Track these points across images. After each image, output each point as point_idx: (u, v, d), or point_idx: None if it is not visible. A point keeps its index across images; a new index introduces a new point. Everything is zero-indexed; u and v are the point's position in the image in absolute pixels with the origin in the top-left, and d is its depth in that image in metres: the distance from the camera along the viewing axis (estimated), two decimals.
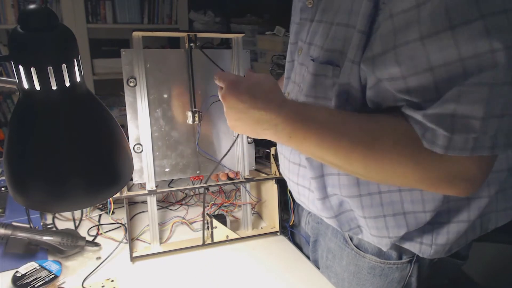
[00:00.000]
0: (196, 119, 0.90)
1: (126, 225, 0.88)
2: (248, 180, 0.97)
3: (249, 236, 0.96)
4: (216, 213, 1.02)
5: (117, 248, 0.89)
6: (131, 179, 0.88)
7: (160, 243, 0.91)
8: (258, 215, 1.08)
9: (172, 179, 1.11)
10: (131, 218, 1.03)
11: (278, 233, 0.98)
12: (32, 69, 0.37)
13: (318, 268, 0.86)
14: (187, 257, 0.89)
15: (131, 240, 0.90)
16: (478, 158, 0.50)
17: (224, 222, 0.94)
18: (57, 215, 1.00)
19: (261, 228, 1.02)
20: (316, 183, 0.70)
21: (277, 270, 0.84)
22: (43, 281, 0.71)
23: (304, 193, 0.76)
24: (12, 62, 0.38)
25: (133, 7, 2.85)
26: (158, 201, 0.99)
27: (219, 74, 0.63)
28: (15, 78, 0.39)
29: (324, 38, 0.63)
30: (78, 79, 0.41)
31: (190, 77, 0.90)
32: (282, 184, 0.95)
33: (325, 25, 0.63)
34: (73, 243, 0.83)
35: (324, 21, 0.63)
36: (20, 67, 0.37)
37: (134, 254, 0.87)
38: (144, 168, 0.88)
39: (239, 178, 0.98)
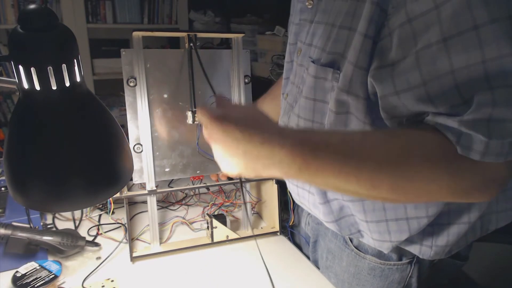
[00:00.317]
0: (196, 119, 0.90)
1: (126, 225, 0.88)
2: (248, 180, 0.97)
3: (249, 236, 0.96)
4: (216, 213, 1.02)
5: (117, 248, 0.89)
6: (131, 179, 0.88)
7: (160, 243, 0.90)
8: (258, 215, 1.08)
9: (172, 179, 1.11)
10: (131, 218, 1.03)
11: (278, 233, 0.98)
12: (32, 69, 0.37)
13: (318, 268, 0.86)
14: (187, 257, 0.89)
15: (131, 240, 0.90)
16: (509, 161, 0.48)
17: (224, 222, 0.93)
18: (57, 215, 1.00)
19: (261, 228, 1.02)
20: (317, 189, 0.70)
21: (277, 270, 0.84)
22: (43, 281, 0.71)
23: (304, 195, 0.75)
24: (12, 62, 0.38)
25: (133, 7, 2.85)
26: (158, 201, 0.99)
27: (200, 109, 0.52)
28: (15, 78, 0.39)
29: (324, 39, 0.62)
30: (78, 79, 0.41)
31: (190, 77, 0.89)
32: (282, 184, 0.95)
33: (325, 26, 0.62)
34: (73, 243, 0.83)
35: (324, 22, 0.62)
36: (20, 67, 0.37)
37: (134, 254, 0.86)
38: (144, 168, 0.88)
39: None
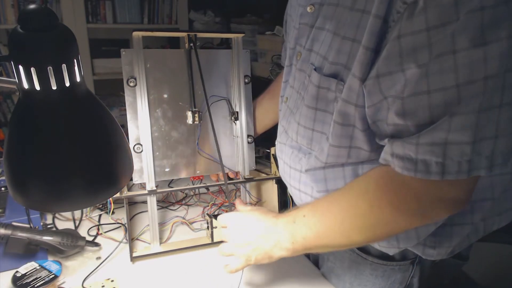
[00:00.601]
0: (196, 119, 0.90)
1: (126, 225, 0.88)
2: (248, 180, 0.97)
3: None
4: (216, 213, 1.02)
5: (117, 248, 0.89)
6: (131, 179, 0.88)
7: (160, 243, 0.90)
8: None
9: (172, 179, 1.11)
10: (131, 218, 1.03)
11: None
12: (32, 69, 0.37)
13: (319, 268, 0.86)
14: (187, 257, 0.89)
15: (131, 240, 0.90)
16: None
17: None
18: (57, 215, 1.00)
19: None
20: (320, 195, 0.70)
21: (277, 270, 0.84)
22: (43, 281, 0.71)
23: (307, 199, 0.75)
24: (12, 62, 0.38)
25: (133, 7, 2.85)
26: (158, 201, 0.99)
27: (223, 217, 0.77)
28: (15, 78, 0.39)
29: (326, 47, 0.61)
30: (78, 79, 0.41)
31: (190, 77, 0.89)
32: (282, 184, 0.94)
33: (327, 33, 0.61)
34: (73, 243, 0.83)
35: (326, 29, 0.62)
36: (20, 67, 0.37)
37: (134, 254, 0.86)
38: (144, 168, 0.88)
39: (239, 178, 0.98)
